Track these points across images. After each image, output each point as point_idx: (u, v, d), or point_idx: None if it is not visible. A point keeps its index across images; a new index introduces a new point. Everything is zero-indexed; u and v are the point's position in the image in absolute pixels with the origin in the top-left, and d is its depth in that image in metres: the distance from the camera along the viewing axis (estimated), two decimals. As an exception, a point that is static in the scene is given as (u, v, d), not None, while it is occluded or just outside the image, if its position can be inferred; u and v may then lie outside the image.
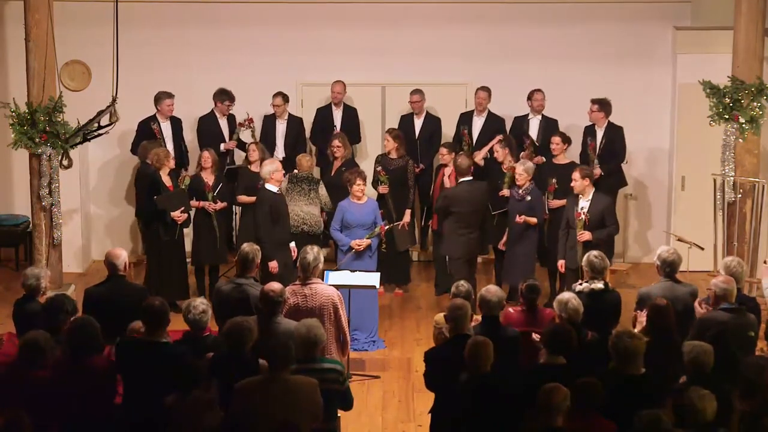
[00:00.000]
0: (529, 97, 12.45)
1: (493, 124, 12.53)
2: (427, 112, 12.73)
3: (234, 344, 7.14)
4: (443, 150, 11.79)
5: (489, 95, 12.48)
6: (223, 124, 12.59)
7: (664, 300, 7.82)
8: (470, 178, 11.00)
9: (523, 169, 11.05)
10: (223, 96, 12.48)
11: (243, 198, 11.58)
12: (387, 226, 10.82)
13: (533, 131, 12.41)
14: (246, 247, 8.75)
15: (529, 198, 10.99)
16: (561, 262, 10.67)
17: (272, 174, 10.66)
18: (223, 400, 6.79)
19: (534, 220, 11.00)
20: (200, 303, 7.59)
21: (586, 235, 10.36)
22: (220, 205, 11.48)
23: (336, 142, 11.92)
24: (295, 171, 11.49)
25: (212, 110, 12.58)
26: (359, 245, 10.60)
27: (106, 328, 7.60)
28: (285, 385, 6.73)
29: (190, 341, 7.44)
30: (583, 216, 10.40)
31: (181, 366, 6.87)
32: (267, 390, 6.71)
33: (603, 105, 12.12)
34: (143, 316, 7.40)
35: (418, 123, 12.69)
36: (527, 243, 11.10)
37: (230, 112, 12.59)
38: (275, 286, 7.88)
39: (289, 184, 11.30)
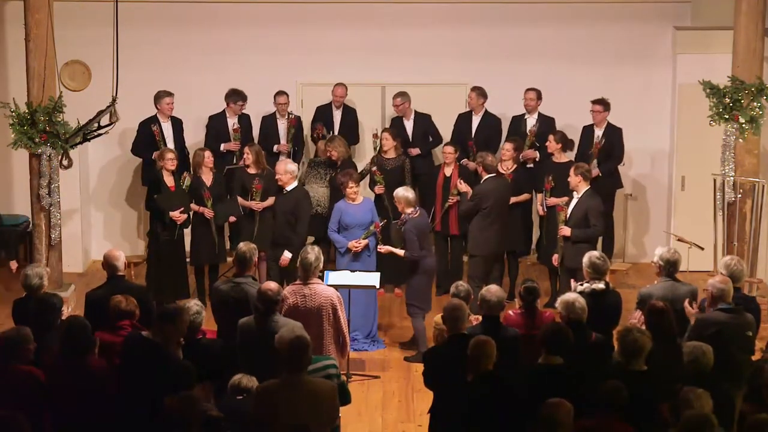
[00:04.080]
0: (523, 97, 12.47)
1: (490, 123, 12.54)
2: (415, 111, 12.71)
3: None
4: (448, 148, 11.78)
5: (480, 95, 12.44)
6: (231, 124, 12.58)
7: (662, 302, 7.82)
8: (495, 174, 11.03)
9: (400, 196, 10.32)
10: (235, 96, 12.49)
11: (241, 201, 11.62)
12: (381, 223, 10.82)
13: (530, 128, 12.40)
14: (242, 246, 8.76)
15: (403, 229, 10.26)
16: (555, 256, 10.78)
17: (277, 175, 10.84)
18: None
19: (400, 252, 10.28)
20: (194, 304, 7.67)
21: (565, 231, 10.56)
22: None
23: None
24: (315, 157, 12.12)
25: (224, 110, 12.60)
26: (356, 247, 10.59)
27: (108, 328, 7.65)
28: (306, 388, 6.73)
29: (185, 343, 7.45)
30: (565, 211, 10.59)
31: (172, 367, 6.91)
32: (288, 392, 6.69)
33: (606, 105, 12.15)
34: (158, 315, 7.43)
35: (409, 125, 12.69)
36: (416, 275, 10.39)
37: (243, 111, 12.59)
38: (272, 285, 7.89)
39: (308, 168, 12.10)
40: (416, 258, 10.25)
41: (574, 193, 10.70)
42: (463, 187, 11.24)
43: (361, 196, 10.88)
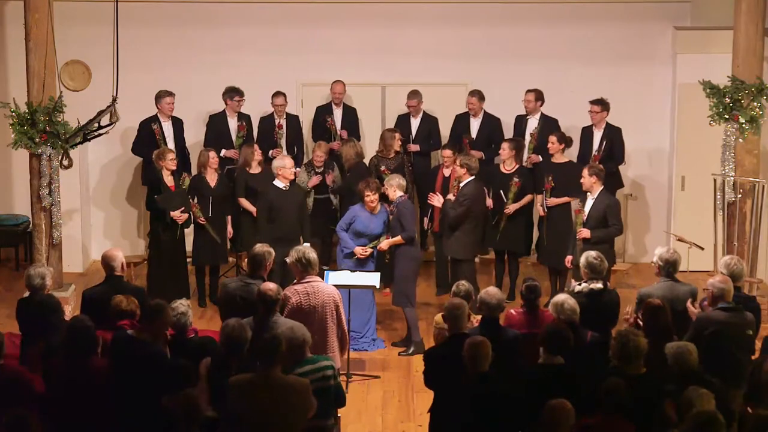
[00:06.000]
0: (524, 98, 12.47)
1: (490, 124, 12.54)
2: (423, 111, 12.74)
3: (232, 347, 7.13)
4: (446, 152, 11.75)
5: (481, 98, 12.43)
6: (233, 124, 12.58)
7: (658, 300, 7.82)
8: (474, 177, 10.99)
9: (395, 184, 10.59)
10: (232, 93, 12.49)
11: (243, 202, 11.62)
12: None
13: (531, 130, 12.40)
14: (258, 247, 8.67)
15: (397, 209, 10.51)
16: (568, 258, 10.64)
17: (278, 169, 10.81)
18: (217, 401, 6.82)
19: (398, 239, 10.42)
20: (180, 304, 7.68)
21: (584, 233, 10.40)
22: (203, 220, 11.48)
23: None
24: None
25: (224, 109, 12.60)
26: (363, 254, 10.57)
27: (105, 328, 7.65)
28: (277, 383, 6.73)
29: (175, 342, 7.45)
30: (582, 213, 10.46)
31: (167, 366, 6.91)
32: (260, 387, 6.71)
33: (605, 105, 12.12)
34: (146, 311, 7.43)
35: (415, 123, 12.70)
36: (405, 261, 10.55)
37: (241, 109, 12.58)
38: (272, 285, 7.87)
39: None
40: (413, 236, 10.47)
41: (588, 194, 10.58)
42: (436, 201, 11.11)
43: (379, 205, 10.68)
